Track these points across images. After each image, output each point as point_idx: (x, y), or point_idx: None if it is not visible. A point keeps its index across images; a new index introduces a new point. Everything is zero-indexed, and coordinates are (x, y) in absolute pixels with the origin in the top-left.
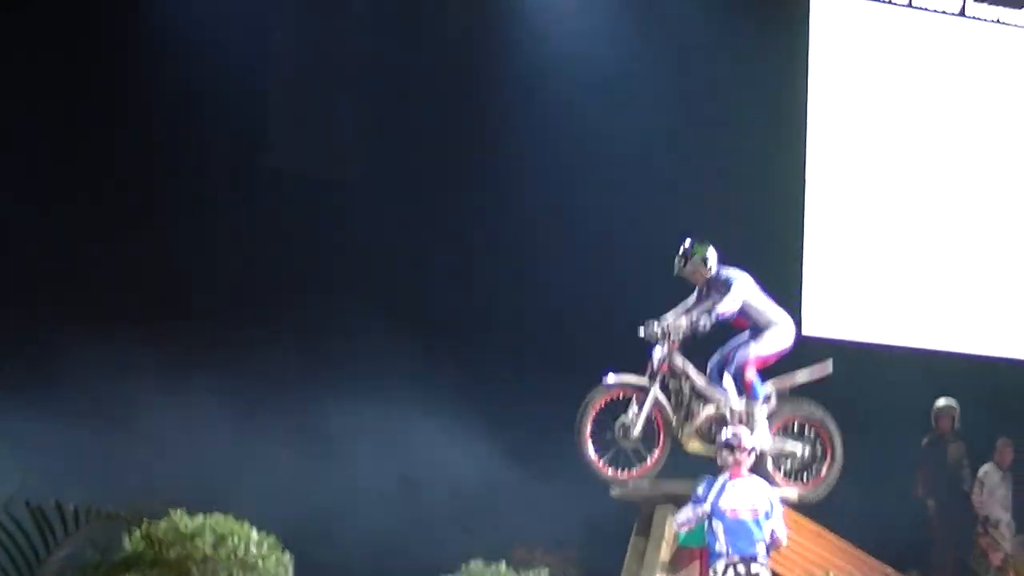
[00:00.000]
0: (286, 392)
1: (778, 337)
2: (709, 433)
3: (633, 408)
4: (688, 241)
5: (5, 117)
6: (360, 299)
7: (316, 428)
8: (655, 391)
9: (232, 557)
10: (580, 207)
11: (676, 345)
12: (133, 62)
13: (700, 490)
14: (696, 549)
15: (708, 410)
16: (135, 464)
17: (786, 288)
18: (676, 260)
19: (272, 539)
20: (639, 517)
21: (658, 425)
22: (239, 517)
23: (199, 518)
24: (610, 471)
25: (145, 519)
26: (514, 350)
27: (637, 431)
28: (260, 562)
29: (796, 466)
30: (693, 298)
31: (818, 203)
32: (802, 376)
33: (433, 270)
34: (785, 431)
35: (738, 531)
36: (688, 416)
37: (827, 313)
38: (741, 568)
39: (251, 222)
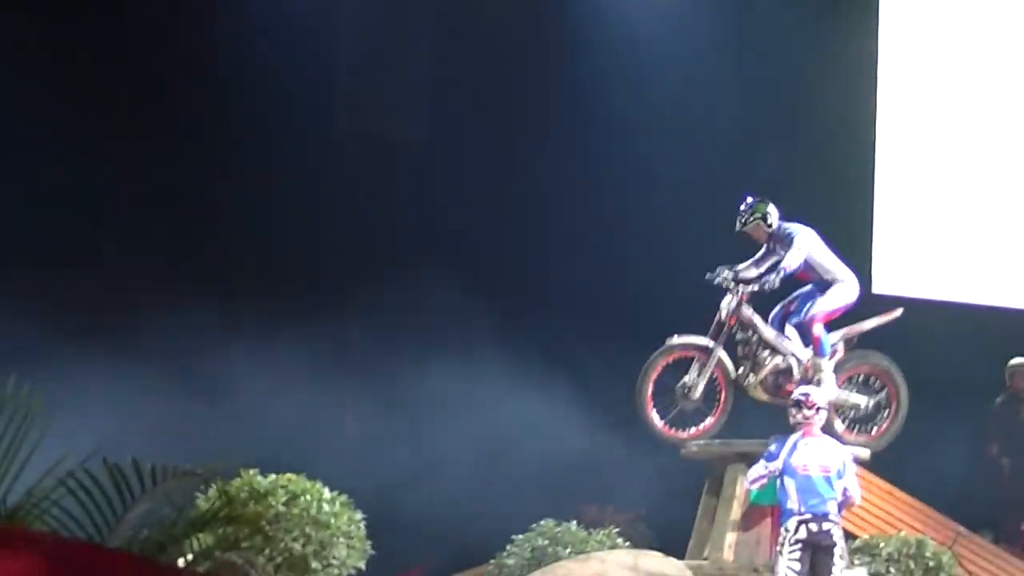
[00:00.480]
0: (364, 360)
1: (843, 292)
2: (775, 384)
3: (695, 368)
4: (748, 199)
5: (82, 75)
6: (438, 266)
7: (395, 396)
8: (718, 351)
9: (304, 515)
10: (652, 170)
11: (745, 297)
12: (209, 28)
13: (772, 447)
14: (767, 507)
15: (775, 361)
16: (213, 428)
17: (856, 246)
18: (737, 219)
19: (344, 498)
20: (710, 476)
21: (720, 385)
22: (312, 477)
23: (272, 477)
24: (671, 431)
25: (220, 478)
26: (589, 313)
27: (699, 392)
28: (332, 520)
29: (859, 416)
30: (760, 254)
31: (889, 159)
32: (870, 323)
33: (511, 235)
34: (850, 382)
35: (809, 489)
36: (755, 367)
37: (898, 270)
38: (813, 526)
39: (328, 187)
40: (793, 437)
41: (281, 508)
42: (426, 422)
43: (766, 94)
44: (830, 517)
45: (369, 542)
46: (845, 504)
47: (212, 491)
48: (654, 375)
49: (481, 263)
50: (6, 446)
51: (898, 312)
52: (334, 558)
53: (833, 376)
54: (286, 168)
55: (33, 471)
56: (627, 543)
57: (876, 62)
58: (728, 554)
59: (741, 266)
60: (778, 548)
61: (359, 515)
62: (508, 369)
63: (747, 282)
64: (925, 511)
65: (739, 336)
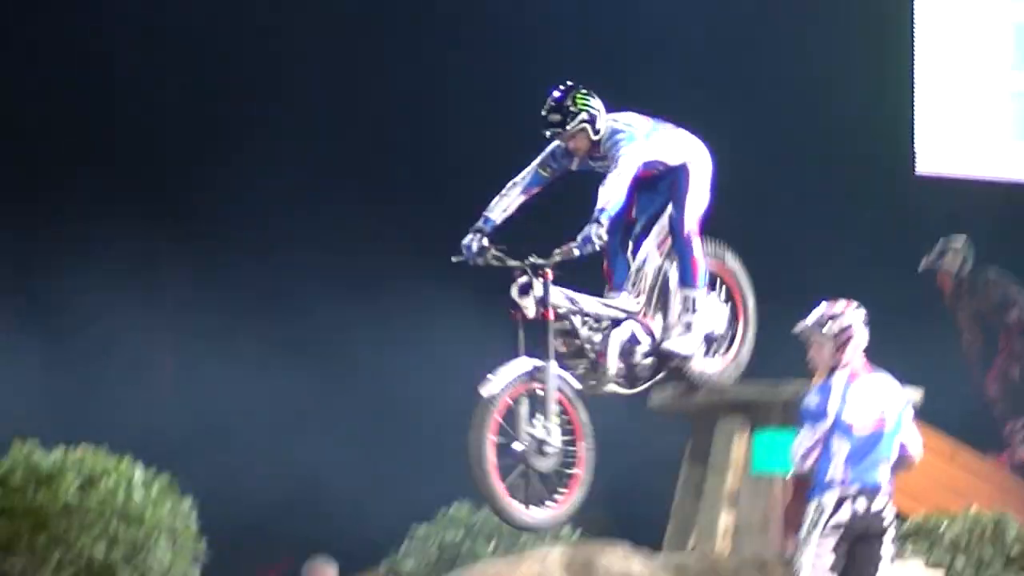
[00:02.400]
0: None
1: (703, 174)
2: (632, 364)
3: (532, 410)
4: (557, 93)
5: None
6: None
7: (240, 333)
8: (550, 368)
9: (107, 505)
10: None
11: (550, 275)
12: None
13: (814, 400)
14: (779, 478)
15: (620, 335)
16: None
17: (898, 121)
18: (548, 117)
19: (164, 480)
20: (692, 437)
21: (569, 414)
22: (116, 452)
23: (58, 453)
24: (537, 511)
25: None
26: None
27: (557, 438)
28: (148, 511)
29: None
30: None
31: (929, 28)
32: None
33: None
34: None
35: (863, 452)
36: (596, 361)
37: (943, 149)
38: (861, 504)
39: None
40: (838, 381)
41: (73, 497)
42: (284, 370)
43: None
44: (883, 490)
45: (203, 541)
46: (903, 464)
47: None
48: (491, 439)
49: None
50: None
51: None
52: (152, 565)
53: (708, 320)
54: None
55: None
56: (577, 532)
57: None
58: (723, 543)
59: (496, 212)
60: (802, 534)
61: (187, 503)
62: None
63: (551, 257)
64: (1003, 477)
65: (557, 327)
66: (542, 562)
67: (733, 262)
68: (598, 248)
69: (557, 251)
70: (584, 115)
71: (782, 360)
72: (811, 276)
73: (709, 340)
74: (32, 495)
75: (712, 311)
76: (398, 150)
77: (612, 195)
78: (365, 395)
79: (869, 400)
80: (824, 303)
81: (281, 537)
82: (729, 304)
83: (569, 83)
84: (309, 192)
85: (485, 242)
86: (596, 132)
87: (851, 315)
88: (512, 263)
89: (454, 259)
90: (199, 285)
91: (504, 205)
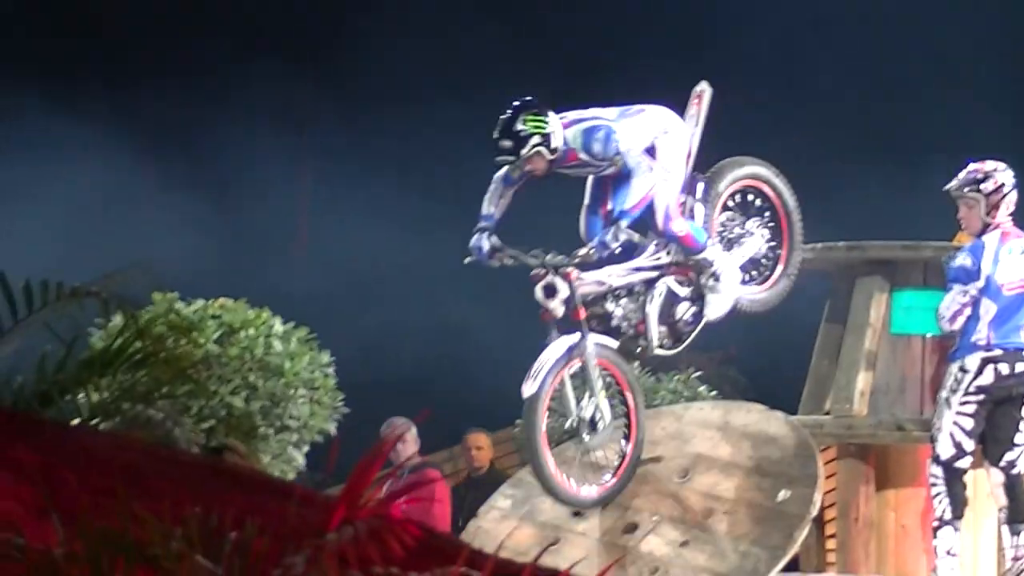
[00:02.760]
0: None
1: (677, 144)
2: (675, 321)
3: (570, 394)
4: (509, 112)
5: None
6: None
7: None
8: (587, 341)
9: (247, 357)
10: None
11: (574, 275)
12: None
13: (966, 260)
14: (918, 339)
15: (656, 302)
16: (106, 234)
17: None
18: (499, 142)
19: (303, 332)
20: (830, 297)
21: (619, 382)
22: (256, 304)
23: (199, 303)
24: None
25: (126, 303)
26: None
27: (607, 412)
28: (287, 363)
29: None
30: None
31: None
32: None
33: None
34: (726, 208)
35: (1008, 314)
36: (636, 333)
37: None
38: (1004, 366)
39: None
40: (991, 241)
41: (213, 347)
42: (432, 224)
43: None
44: None
45: (341, 396)
46: None
47: (115, 321)
48: (543, 431)
49: None
50: None
51: None
52: (291, 417)
53: (735, 266)
54: None
55: None
56: (713, 393)
57: None
58: (860, 405)
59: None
60: (943, 396)
61: (327, 356)
62: None
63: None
64: None
65: (590, 314)
66: (679, 420)
67: (777, 180)
68: (615, 252)
69: (578, 253)
70: (536, 138)
71: (920, 218)
72: (949, 133)
73: (751, 265)
74: (173, 344)
75: (749, 239)
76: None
77: (636, 197)
78: None
79: (1019, 262)
80: (973, 163)
81: (420, 395)
82: (772, 226)
83: (517, 103)
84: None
85: (496, 240)
86: (553, 151)
87: (1003, 175)
88: (532, 263)
89: (466, 260)
90: (344, 137)
91: (495, 200)
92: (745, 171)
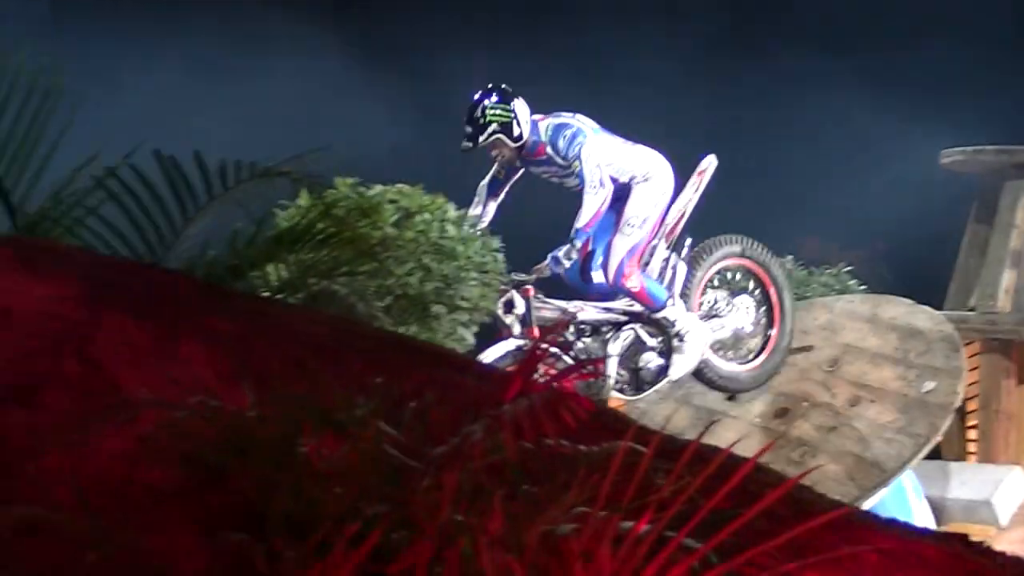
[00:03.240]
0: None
1: (653, 193)
2: (637, 366)
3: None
4: (477, 97)
5: None
6: None
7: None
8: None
9: (422, 239)
10: None
11: (531, 292)
12: None
13: None
14: None
15: (620, 342)
16: (292, 121)
17: None
18: (466, 126)
19: (475, 216)
20: (978, 198)
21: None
22: (431, 190)
23: (377, 188)
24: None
25: (314, 182)
26: None
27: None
28: (459, 248)
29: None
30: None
31: None
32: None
33: None
34: (713, 287)
35: None
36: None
37: None
38: None
39: None
40: None
41: (391, 230)
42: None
43: None
44: None
45: (510, 278)
46: None
47: (302, 200)
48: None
49: None
50: (20, 136)
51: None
52: (463, 299)
53: (698, 329)
54: None
55: (59, 168)
56: (862, 287)
57: None
58: (1005, 302)
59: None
60: None
61: (496, 242)
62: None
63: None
64: None
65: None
66: (830, 311)
67: (768, 259)
68: (567, 267)
69: (535, 268)
70: (494, 126)
71: None
72: None
73: (734, 340)
74: (354, 224)
75: (738, 313)
76: None
77: (587, 214)
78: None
79: None
80: None
81: None
82: (763, 307)
83: (481, 91)
84: None
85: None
86: (517, 139)
87: None
88: (502, 279)
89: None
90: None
91: (478, 206)
92: (732, 250)
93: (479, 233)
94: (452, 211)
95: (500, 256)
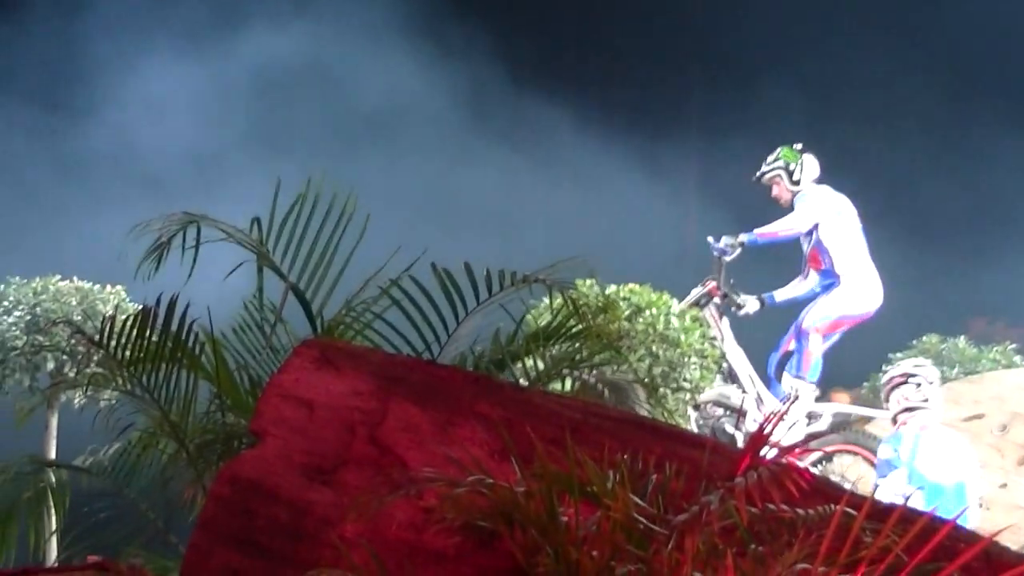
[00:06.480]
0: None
1: (852, 297)
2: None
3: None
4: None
5: None
6: None
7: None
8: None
9: (651, 330)
10: None
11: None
12: None
13: None
14: None
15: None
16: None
17: None
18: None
19: (695, 311)
20: None
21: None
22: (657, 288)
23: (612, 287)
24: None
25: (564, 287)
26: None
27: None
28: (682, 336)
29: None
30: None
31: None
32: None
33: None
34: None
35: None
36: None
37: None
38: None
39: None
40: None
41: (625, 323)
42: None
43: None
44: None
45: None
46: None
47: (554, 301)
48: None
49: None
50: (320, 251)
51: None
52: (685, 380)
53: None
54: None
55: (351, 280)
56: None
57: None
58: None
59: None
60: None
61: (713, 330)
62: None
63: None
64: None
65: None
66: (999, 383)
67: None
68: (731, 253)
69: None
70: (780, 162)
71: None
72: None
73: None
74: (599, 321)
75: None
76: None
77: (781, 226)
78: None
79: None
80: None
81: None
82: None
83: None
84: None
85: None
86: (794, 183)
87: None
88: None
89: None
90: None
91: (715, 270)
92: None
93: (698, 324)
94: (675, 306)
95: (717, 342)
